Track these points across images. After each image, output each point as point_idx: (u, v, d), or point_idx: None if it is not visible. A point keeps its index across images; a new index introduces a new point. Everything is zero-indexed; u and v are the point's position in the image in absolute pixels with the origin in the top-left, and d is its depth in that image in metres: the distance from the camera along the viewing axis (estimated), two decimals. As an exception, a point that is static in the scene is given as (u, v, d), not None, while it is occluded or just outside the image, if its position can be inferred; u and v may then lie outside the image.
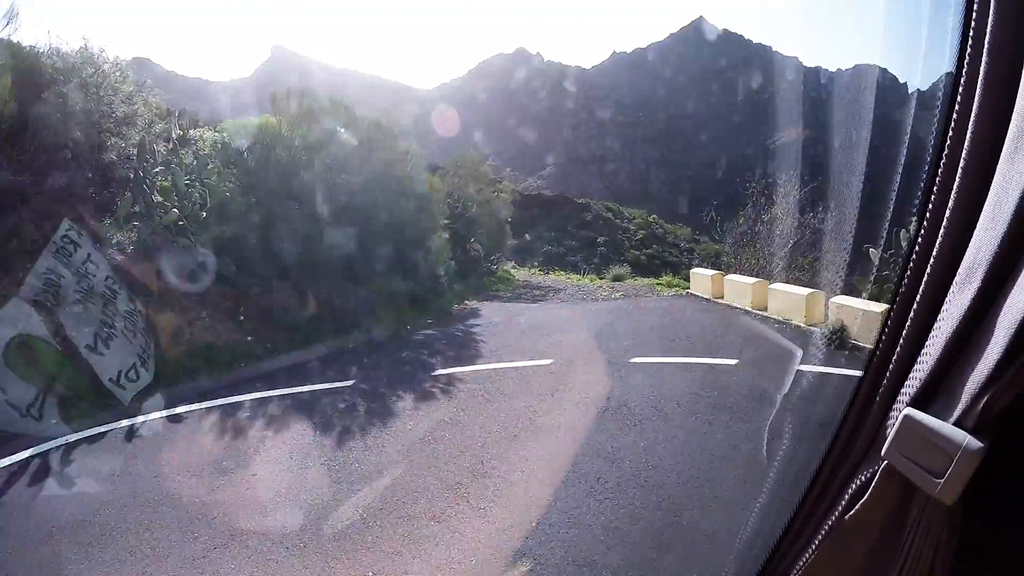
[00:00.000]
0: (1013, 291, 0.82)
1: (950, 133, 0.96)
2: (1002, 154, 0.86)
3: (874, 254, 10.32)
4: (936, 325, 1.00)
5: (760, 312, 12.13)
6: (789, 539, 1.40)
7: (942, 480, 0.89)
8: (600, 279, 21.30)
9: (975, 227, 0.92)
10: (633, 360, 9.15)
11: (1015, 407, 0.84)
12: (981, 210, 0.90)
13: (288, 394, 8.47)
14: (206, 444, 7.00)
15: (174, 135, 12.13)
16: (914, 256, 1.06)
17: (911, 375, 1.05)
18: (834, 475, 1.25)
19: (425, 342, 11.70)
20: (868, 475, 1.11)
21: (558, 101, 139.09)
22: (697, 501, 5.16)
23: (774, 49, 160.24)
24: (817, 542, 1.25)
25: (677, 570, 4.33)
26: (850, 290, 10.32)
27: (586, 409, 7.30)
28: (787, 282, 13.48)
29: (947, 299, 0.97)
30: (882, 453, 1.05)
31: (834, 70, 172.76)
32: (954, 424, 0.90)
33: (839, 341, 9.40)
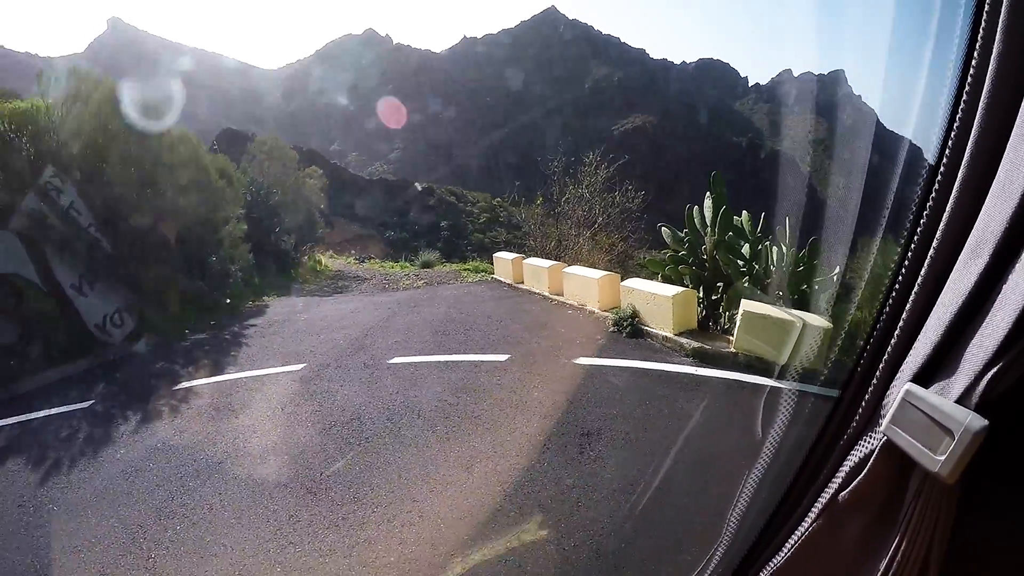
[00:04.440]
0: (1019, 269, 0.84)
1: (960, 112, 0.96)
2: (1012, 133, 0.87)
3: (667, 233, 9.28)
4: (940, 300, 1.00)
5: (557, 297, 11.09)
6: (783, 515, 1.37)
7: (943, 458, 0.88)
8: (410, 266, 20.43)
9: (983, 204, 0.92)
10: (392, 361, 7.92)
11: (1018, 386, 0.85)
12: (989, 188, 0.91)
13: (11, 424, 7.30)
14: None
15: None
16: (919, 231, 1.05)
17: (912, 350, 1.04)
18: (831, 450, 1.23)
19: (189, 349, 10.36)
20: (867, 451, 1.10)
21: (407, 85, 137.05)
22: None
23: (622, 40, 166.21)
24: (812, 517, 1.23)
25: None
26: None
27: (312, 425, 6.16)
28: (593, 264, 12.64)
29: (952, 275, 0.98)
30: (881, 428, 1.04)
31: (679, 63, 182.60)
32: (956, 402, 0.90)
33: (631, 328, 8.39)
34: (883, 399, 1.08)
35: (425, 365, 7.66)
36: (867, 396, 1.13)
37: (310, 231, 23.30)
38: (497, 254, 14.70)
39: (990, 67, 0.89)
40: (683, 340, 7.67)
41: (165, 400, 7.51)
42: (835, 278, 8.46)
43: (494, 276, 14.52)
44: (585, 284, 10.17)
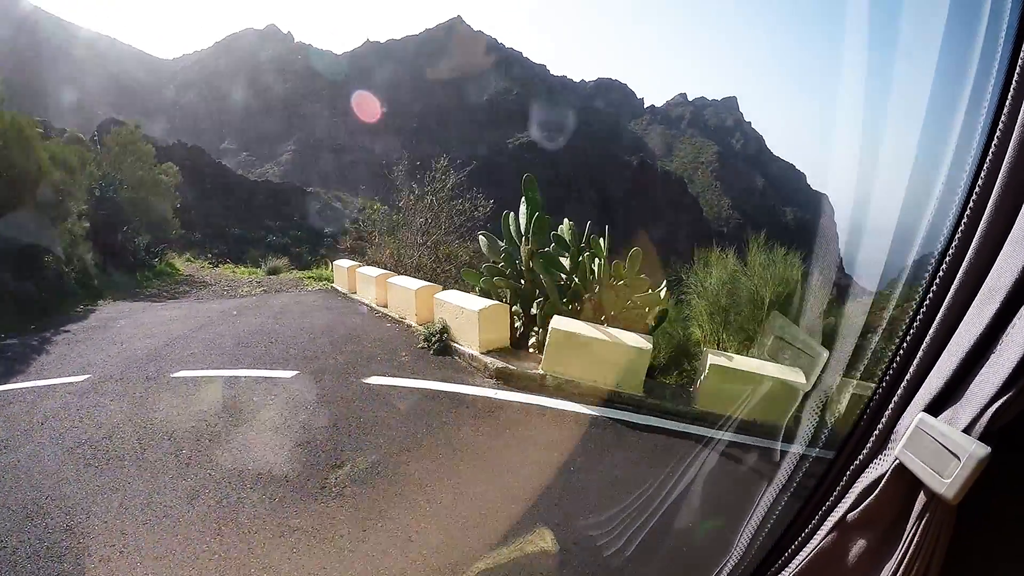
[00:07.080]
0: None
1: (982, 175, 1.02)
2: None
3: (484, 242, 8.88)
4: (953, 339, 1.07)
5: (383, 309, 10.62)
6: (794, 531, 1.42)
7: (949, 480, 0.95)
8: (260, 271, 19.81)
9: (999, 255, 0.99)
10: (176, 375, 7.24)
11: (1019, 419, 0.93)
12: (1005, 241, 0.98)
13: None
14: None
15: None
16: (939, 276, 1.11)
17: (926, 383, 1.11)
18: (843, 472, 1.28)
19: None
20: (879, 473, 1.15)
21: (305, 85, 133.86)
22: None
23: (524, 55, 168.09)
24: (822, 534, 1.28)
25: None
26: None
27: (62, 443, 5.44)
28: (427, 275, 12.30)
29: (966, 317, 1.05)
30: (895, 453, 1.10)
31: (578, 80, 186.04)
32: (963, 431, 0.97)
33: (439, 344, 8.01)
34: (895, 426, 1.15)
35: (206, 380, 7.06)
36: (882, 423, 1.19)
37: (163, 231, 21.89)
38: (336, 262, 14.19)
39: (1011, 143, 0.95)
40: (488, 359, 7.32)
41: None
42: (662, 294, 8.27)
43: (334, 285, 14.03)
44: (404, 295, 9.77)
